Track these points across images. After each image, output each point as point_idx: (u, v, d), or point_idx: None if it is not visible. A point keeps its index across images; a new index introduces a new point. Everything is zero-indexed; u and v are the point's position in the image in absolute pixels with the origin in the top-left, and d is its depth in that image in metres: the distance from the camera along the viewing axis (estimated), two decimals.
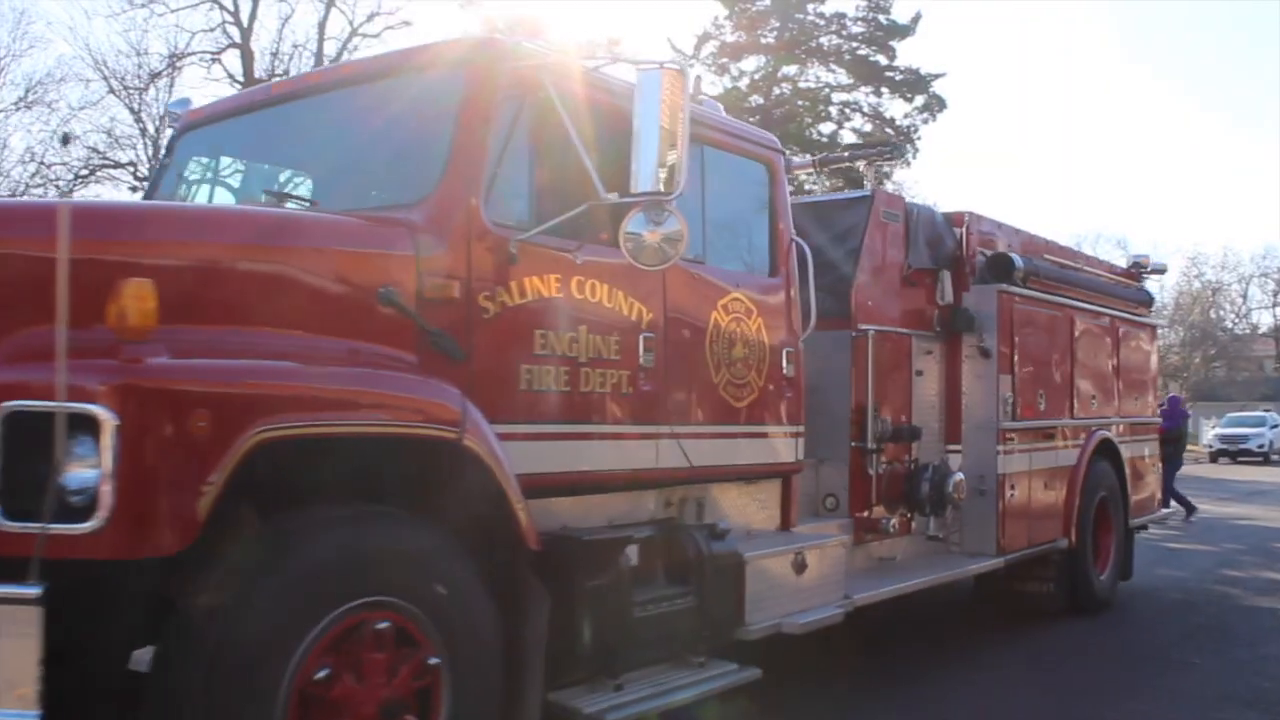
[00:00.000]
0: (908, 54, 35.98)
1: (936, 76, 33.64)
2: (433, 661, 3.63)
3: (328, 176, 4.74)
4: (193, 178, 5.42)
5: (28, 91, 29.41)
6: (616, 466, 4.78)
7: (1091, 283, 9.62)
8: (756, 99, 33.18)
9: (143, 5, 28.53)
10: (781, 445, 5.88)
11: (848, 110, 34.34)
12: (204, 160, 5.47)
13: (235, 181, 5.40)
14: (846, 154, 7.86)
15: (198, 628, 3.13)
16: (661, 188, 4.14)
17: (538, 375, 4.40)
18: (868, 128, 33.83)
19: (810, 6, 33.99)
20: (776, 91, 34.34)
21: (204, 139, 5.34)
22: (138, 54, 29.87)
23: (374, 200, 4.42)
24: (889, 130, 32.93)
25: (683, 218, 4.24)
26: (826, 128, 33.76)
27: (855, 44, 34.24)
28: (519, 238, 4.30)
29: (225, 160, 5.46)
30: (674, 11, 39.50)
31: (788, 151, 6.36)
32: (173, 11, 28.74)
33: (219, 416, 3.10)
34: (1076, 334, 8.99)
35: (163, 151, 4.80)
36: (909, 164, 33.56)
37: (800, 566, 5.58)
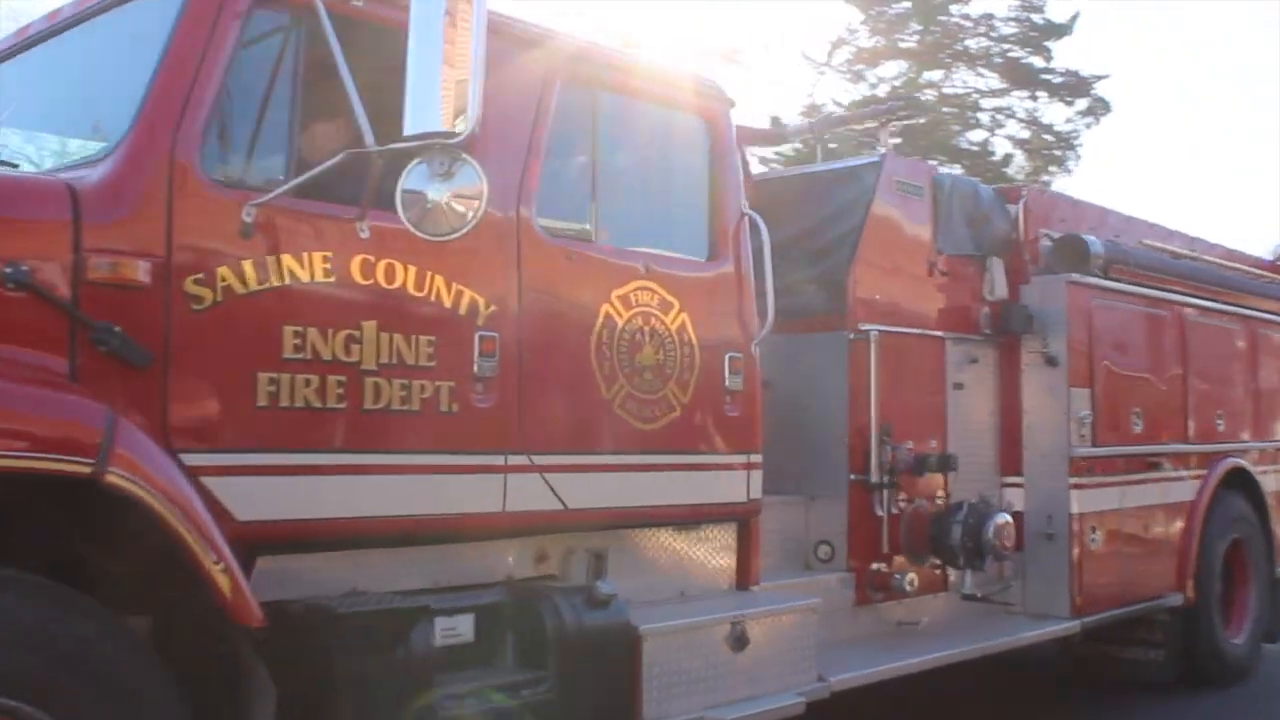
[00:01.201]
0: (1065, 55, 33.43)
1: (1099, 78, 31.03)
2: None
3: (57, 129, 3.74)
4: None
5: None
6: (431, 510, 3.55)
7: (1212, 275, 7.71)
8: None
9: None
10: (724, 479, 4.49)
11: (1000, 116, 32.18)
12: None
13: None
14: (850, 113, 6.37)
15: None
16: (446, 126, 2.93)
17: (288, 387, 3.23)
18: (1024, 134, 31.57)
19: (954, 8, 32.04)
20: (919, 98, 32.61)
21: None
22: None
23: (76, 156, 3.39)
24: (1047, 136, 30.53)
25: (480, 169, 3.02)
26: (977, 135, 31.67)
27: (1006, 46, 32.10)
28: (256, 201, 3.17)
29: None
30: (805, 16, 37.71)
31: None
32: None
33: None
34: (1190, 338, 7.14)
35: None
36: (1069, 171, 31.10)
37: (738, 641, 4.17)
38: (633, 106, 4.39)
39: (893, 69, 33.67)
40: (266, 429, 3.20)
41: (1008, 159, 30.63)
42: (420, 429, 3.51)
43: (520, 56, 3.93)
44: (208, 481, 3.07)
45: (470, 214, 3.07)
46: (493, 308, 3.70)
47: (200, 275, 3.09)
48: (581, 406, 3.97)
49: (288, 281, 3.24)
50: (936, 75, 34.05)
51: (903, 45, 33.17)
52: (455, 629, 3.55)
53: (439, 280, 3.57)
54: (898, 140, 6.21)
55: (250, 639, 3.00)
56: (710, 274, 4.50)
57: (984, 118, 33.21)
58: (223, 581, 2.82)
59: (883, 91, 32.68)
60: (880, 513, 5.46)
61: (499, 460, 3.71)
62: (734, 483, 4.52)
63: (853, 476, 5.42)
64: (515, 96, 3.88)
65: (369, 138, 3.13)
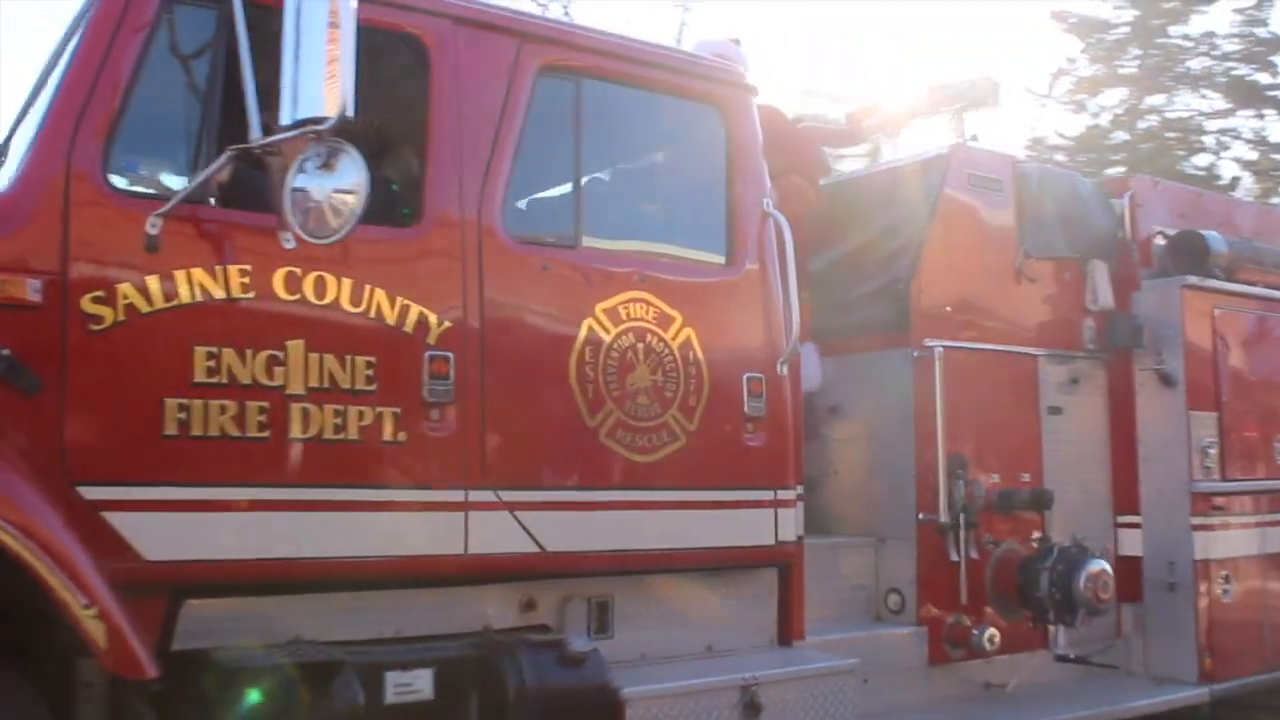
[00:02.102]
0: None
1: None
2: None
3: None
4: None
5: None
6: (377, 551, 3.15)
7: None
8: (1120, 135, 30.22)
9: None
10: (746, 519, 3.93)
11: (1225, 138, 30.42)
12: None
13: None
14: (920, 100, 5.64)
15: None
16: (321, 112, 2.61)
17: (200, 414, 2.91)
18: (1251, 155, 29.77)
19: (1174, 29, 30.51)
20: (1141, 125, 31.07)
21: None
22: None
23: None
24: (1276, 156, 28.66)
25: (359, 159, 2.67)
26: (1203, 160, 29.97)
27: (1230, 64, 30.43)
28: (160, 212, 2.89)
29: None
30: (1024, 48, 36.26)
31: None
32: None
33: None
34: None
35: None
36: None
37: (749, 709, 3.59)
38: (630, 96, 3.94)
39: (1113, 97, 32.32)
40: (177, 460, 2.89)
41: (1235, 182, 28.52)
42: (360, 461, 3.15)
43: (482, 44, 3.57)
44: (111, 517, 2.80)
45: (345, 214, 2.73)
46: (446, 324, 3.32)
47: (100, 293, 2.83)
48: (560, 435, 3.52)
49: (199, 298, 2.94)
50: (1159, 100, 32.62)
51: (1123, 72, 31.94)
52: (411, 685, 3.13)
53: (379, 294, 3.21)
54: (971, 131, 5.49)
55: (141, 692, 2.68)
56: (724, 283, 3.99)
57: (1209, 140, 31.62)
58: (94, 629, 2.52)
59: (1105, 121, 31.28)
60: (956, 557, 4.75)
61: (458, 496, 3.30)
62: (758, 523, 3.95)
63: (921, 516, 4.74)
64: (477, 88, 3.52)
65: (254, 132, 2.82)
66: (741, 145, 4.13)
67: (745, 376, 3.94)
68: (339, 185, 2.67)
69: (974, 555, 4.80)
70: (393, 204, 3.48)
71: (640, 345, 3.70)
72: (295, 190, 2.69)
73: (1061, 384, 5.34)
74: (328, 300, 3.13)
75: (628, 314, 3.69)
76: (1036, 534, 5.05)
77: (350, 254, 3.14)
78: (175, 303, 2.92)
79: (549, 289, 3.55)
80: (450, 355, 3.30)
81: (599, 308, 3.63)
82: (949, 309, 4.97)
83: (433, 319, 3.29)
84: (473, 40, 3.54)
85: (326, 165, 2.67)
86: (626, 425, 3.63)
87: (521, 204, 3.82)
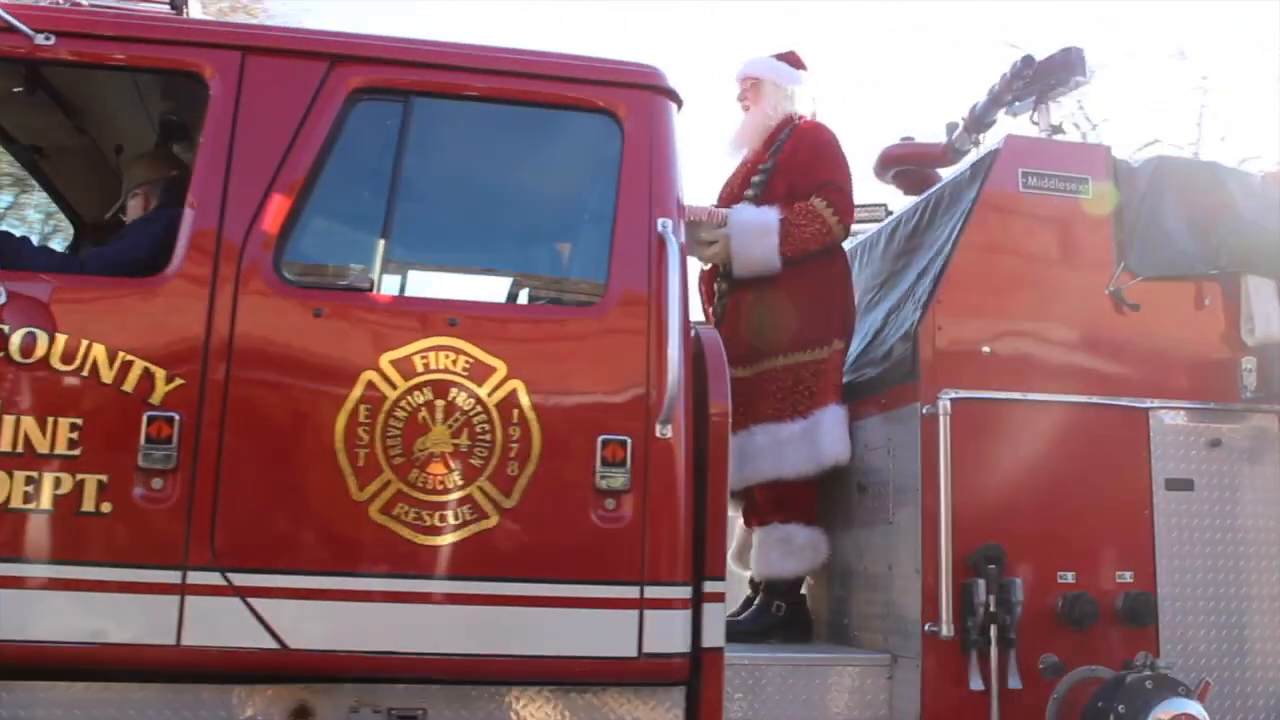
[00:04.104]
0: None
1: None
2: None
3: None
4: None
5: None
6: (62, 637, 2.80)
7: None
8: None
9: None
10: (597, 623, 3.08)
11: None
12: None
13: None
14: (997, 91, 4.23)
15: None
16: None
17: None
18: None
19: None
20: None
21: None
22: None
23: None
24: None
25: None
26: None
27: None
28: None
29: None
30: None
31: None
32: None
33: None
34: None
35: None
36: None
37: None
38: (486, 112, 3.36)
39: None
40: None
41: None
42: (55, 533, 2.83)
43: (276, 72, 3.19)
44: None
45: None
46: (178, 381, 2.93)
47: None
48: (316, 510, 2.96)
49: None
50: None
51: None
52: None
53: (98, 350, 2.90)
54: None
55: None
56: (578, 324, 3.23)
57: None
58: None
59: None
60: (979, 686, 3.47)
61: (172, 578, 2.87)
62: (615, 629, 3.08)
63: (927, 627, 3.53)
64: (261, 119, 3.14)
65: None
66: (638, 157, 3.36)
67: (600, 440, 3.13)
68: None
69: (1015, 684, 3.48)
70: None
71: (440, 402, 3.06)
72: None
73: (1193, 447, 3.80)
74: (35, 359, 2.88)
75: (425, 365, 3.07)
76: (1145, 656, 3.58)
77: (72, 306, 2.88)
78: None
79: (320, 339, 3.04)
80: (176, 416, 2.91)
81: (386, 359, 3.05)
82: (988, 349, 3.72)
83: (160, 376, 2.92)
84: (265, 70, 3.18)
85: None
86: (409, 499, 3.00)
87: (317, 241, 3.36)
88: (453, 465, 3.03)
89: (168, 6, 3.31)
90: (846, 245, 4.56)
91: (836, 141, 4.36)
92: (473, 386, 3.08)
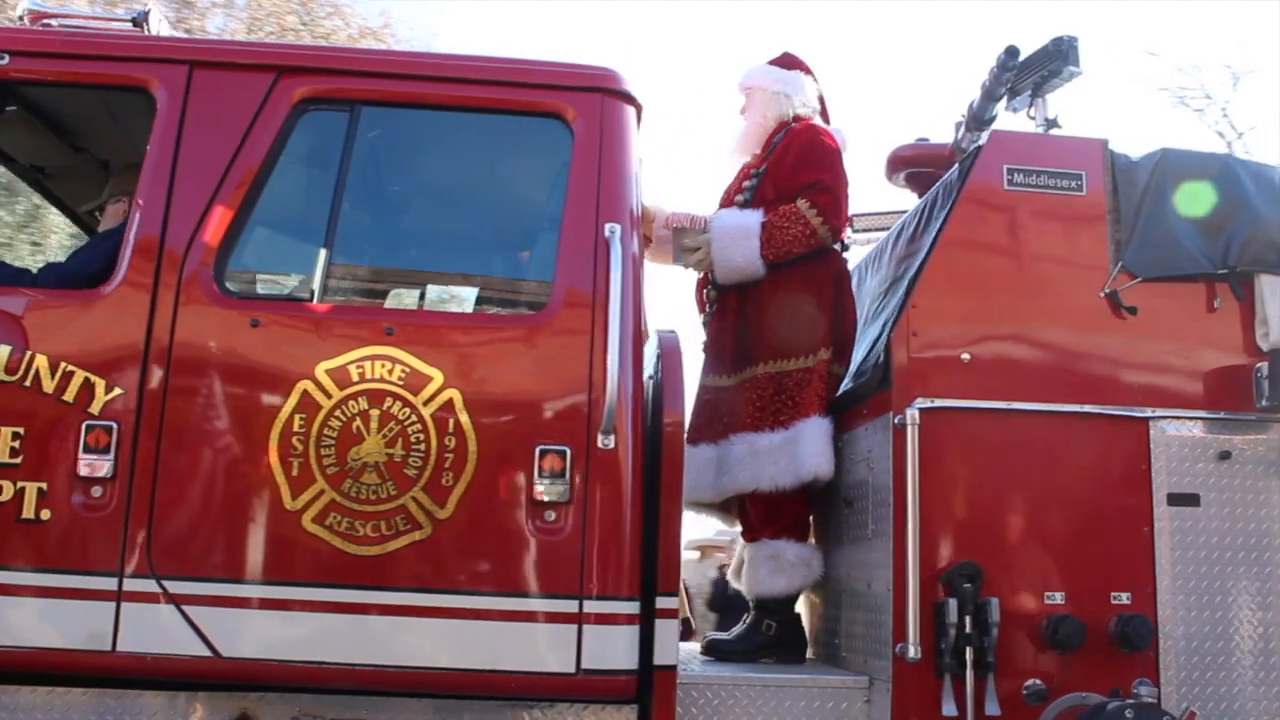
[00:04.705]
0: None
1: None
2: None
3: None
4: None
5: None
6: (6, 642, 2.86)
7: None
8: None
9: None
10: (534, 637, 3.00)
11: None
12: None
13: None
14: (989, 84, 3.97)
15: None
16: None
17: None
18: None
19: None
20: None
21: None
22: None
23: None
24: None
25: None
26: None
27: None
28: None
29: None
30: None
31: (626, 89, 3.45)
32: None
33: None
34: None
35: None
36: None
37: None
38: (433, 119, 3.35)
39: None
40: None
41: None
42: None
43: (223, 85, 3.24)
44: None
45: None
46: (117, 391, 2.99)
47: None
48: (251, 519, 2.98)
49: None
50: None
51: None
52: None
53: (40, 360, 2.98)
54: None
55: None
56: (518, 332, 3.17)
57: None
58: None
59: None
60: (952, 711, 3.27)
61: (108, 584, 2.91)
62: (552, 643, 3.01)
63: (898, 649, 3.35)
64: (205, 131, 3.19)
65: None
66: (586, 161, 3.30)
67: (538, 450, 3.07)
68: None
69: (993, 710, 3.27)
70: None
71: (375, 411, 3.04)
72: None
73: (1200, 460, 3.53)
74: None
75: (361, 374, 3.06)
76: (1142, 687, 3.33)
77: (12, 318, 2.97)
78: None
79: (257, 349, 3.07)
80: (114, 426, 2.96)
81: (322, 368, 3.06)
82: (967, 356, 3.53)
83: (100, 386, 2.99)
84: (212, 83, 3.24)
85: None
86: (342, 509, 2.99)
87: (259, 251, 3.38)
88: (386, 475, 3.01)
89: (130, 24, 3.40)
90: (862, 253, 4.41)
91: (829, 142, 4.21)
92: (408, 396, 3.05)
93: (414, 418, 3.04)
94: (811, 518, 4.22)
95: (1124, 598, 3.42)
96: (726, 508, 4.38)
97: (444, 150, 3.42)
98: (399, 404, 3.05)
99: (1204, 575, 3.45)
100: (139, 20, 3.43)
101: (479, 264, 3.50)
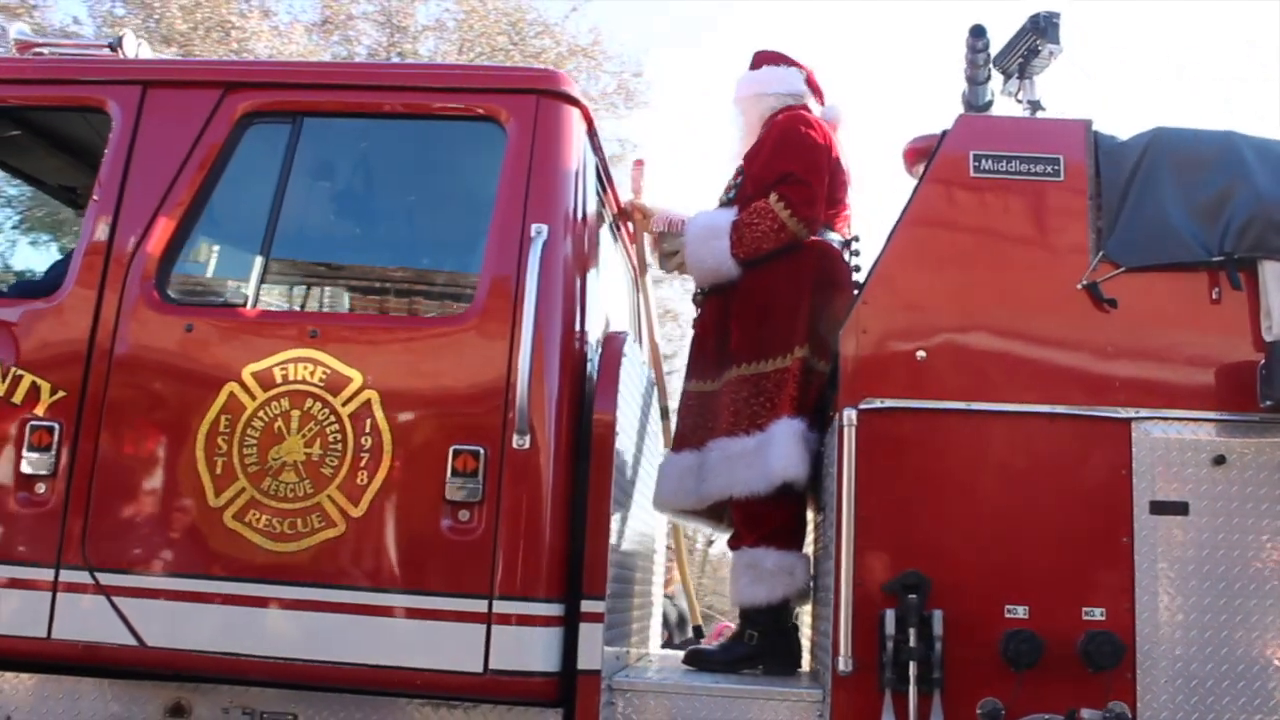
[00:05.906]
0: None
1: None
2: None
3: None
4: None
5: None
6: None
7: None
8: None
9: None
10: (445, 636, 3.00)
11: None
12: None
13: None
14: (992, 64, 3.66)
15: None
16: None
17: None
18: None
19: None
20: None
21: None
22: None
23: None
24: None
25: None
26: None
27: None
28: None
29: None
30: None
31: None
32: None
33: None
34: None
35: None
36: None
37: None
38: (372, 128, 3.43)
39: None
40: None
41: None
42: None
43: (173, 102, 3.40)
44: None
45: None
46: (60, 394, 3.16)
47: None
48: (177, 515, 3.09)
49: None
50: None
51: None
52: None
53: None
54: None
55: None
56: (433, 334, 3.19)
57: None
58: None
59: None
60: None
61: (45, 575, 3.08)
62: (461, 643, 3.00)
63: (839, 661, 3.16)
64: (154, 146, 3.36)
65: None
66: (518, 161, 3.30)
67: (451, 450, 3.07)
68: None
69: None
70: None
71: (295, 412, 3.12)
72: None
73: (1189, 464, 3.20)
74: None
75: (284, 376, 3.15)
76: (1114, 706, 3.05)
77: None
78: None
79: (190, 353, 3.19)
80: (56, 425, 3.14)
81: (248, 370, 3.16)
82: (922, 354, 3.32)
83: (45, 388, 3.17)
84: (163, 101, 3.41)
85: None
86: (262, 506, 3.07)
87: (201, 259, 3.51)
88: (304, 474, 3.08)
89: (107, 49, 3.62)
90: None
91: (803, 130, 4.03)
92: (328, 396, 3.11)
93: (332, 418, 3.10)
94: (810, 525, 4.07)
95: (1097, 613, 3.13)
96: (718, 516, 4.27)
97: (386, 159, 3.49)
98: (319, 404, 3.11)
99: (1192, 591, 3.12)
100: (114, 45, 3.64)
101: (413, 267, 3.54)
